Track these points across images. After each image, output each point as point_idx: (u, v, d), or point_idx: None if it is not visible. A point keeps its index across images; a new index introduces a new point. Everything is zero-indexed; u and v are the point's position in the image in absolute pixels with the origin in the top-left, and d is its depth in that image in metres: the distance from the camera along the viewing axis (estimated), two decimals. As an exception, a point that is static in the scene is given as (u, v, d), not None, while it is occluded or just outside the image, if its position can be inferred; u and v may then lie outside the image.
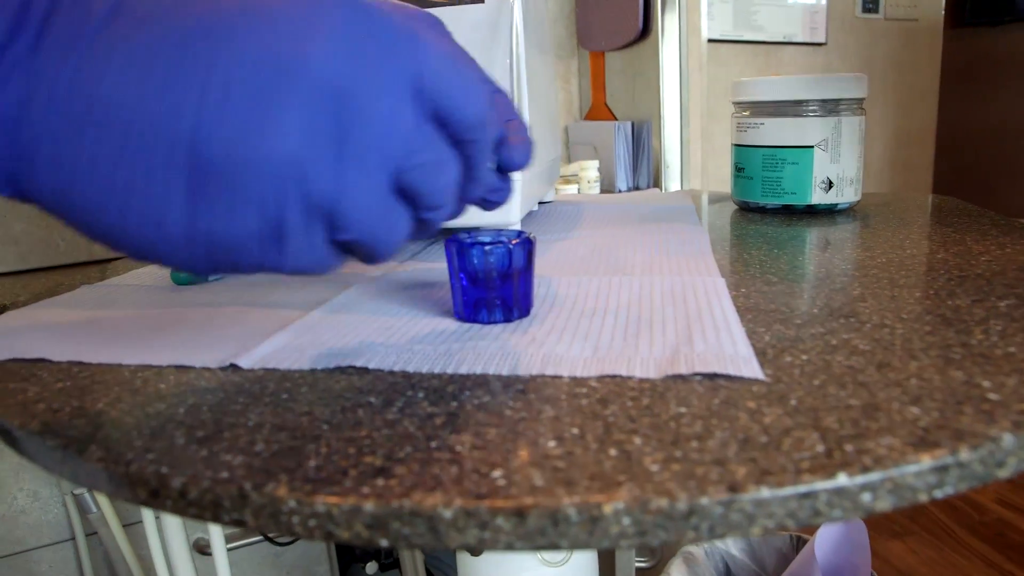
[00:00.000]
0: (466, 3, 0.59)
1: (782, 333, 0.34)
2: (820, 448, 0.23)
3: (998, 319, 0.35)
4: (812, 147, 0.65)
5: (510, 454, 0.23)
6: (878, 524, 1.68)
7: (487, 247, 0.35)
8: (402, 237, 0.28)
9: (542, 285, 0.43)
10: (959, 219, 0.62)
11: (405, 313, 0.39)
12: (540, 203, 0.81)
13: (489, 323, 0.36)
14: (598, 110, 1.84)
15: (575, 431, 0.25)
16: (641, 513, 0.20)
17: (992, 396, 0.26)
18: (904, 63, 2.56)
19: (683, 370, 0.29)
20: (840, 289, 0.41)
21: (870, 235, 0.57)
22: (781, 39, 2.22)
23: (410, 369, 0.31)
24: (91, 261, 0.71)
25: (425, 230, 0.30)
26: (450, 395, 0.29)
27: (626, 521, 0.20)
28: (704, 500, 0.20)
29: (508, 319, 0.37)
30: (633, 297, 0.40)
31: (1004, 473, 0.24)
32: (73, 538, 1.02)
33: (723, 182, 1.03)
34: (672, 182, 1.73)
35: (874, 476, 0.21)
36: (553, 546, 0.21)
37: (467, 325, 0.37)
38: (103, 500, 0.92)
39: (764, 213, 0.70)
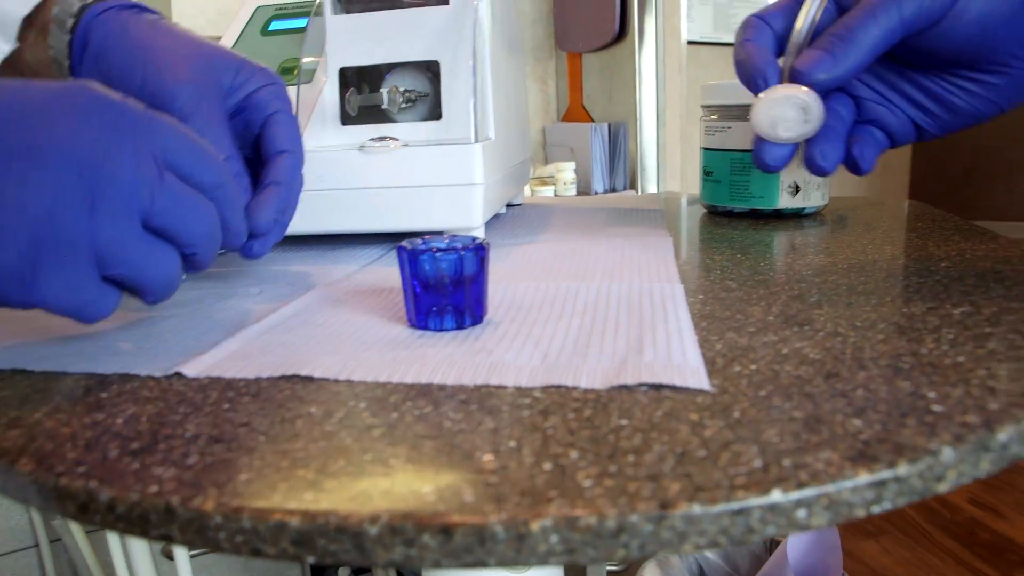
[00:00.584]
0: (431, 5, 0.59)
1: (734, 341, 0.34)
2: (758, 463, 0.22)
3: (951, 327, 0.35)
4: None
5: (443, 468, 0.23)
6: (852, 524, 1.69)
7: (438, 254, 0.35)
8: (170, 271, 0.35)
9: (499, 291, 0.43)
10: (924, 224, 0.62)
11: (358, 320, 0.39)
12: (509, 206, 0.81)
13: (441, 330, 0.36)
14: (575, 111, 1.84)
15: (513, 444, 0.24)
16: (569, 531, 0.20)
17: (936, 408, 0.26)
18: (881, 66, 2.58)
19: (629, 380, 0.29)
20: (797, 296, 0.41)
21: (834, 240, 0.57)
22: (760, 41, 2.22)
23: (355, 378, 0.31)
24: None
25: (195, 266, 0.37)
26: (392, 406, 0.28)
27: (554, 539, 0.20)
28: (634, 517, 0.20)
29: (461, 326, 0.36)
30: (589, 303, 0.39)
31: (943, 487, 0.23)
32: (37, 545, 1.00)
33: (696, 185, 1.03)
34: (650, 184, 1.73)
35: (809, 492, 0.21)
36: (480, 564, 0.20)
37: (419, 333, 0.36)
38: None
39: (732, 217, 0.70)
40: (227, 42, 0.64)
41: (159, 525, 0.23)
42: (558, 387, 0.29)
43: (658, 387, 0.29)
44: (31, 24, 0.46)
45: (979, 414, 0.25)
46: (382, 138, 0.55)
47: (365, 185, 0.54)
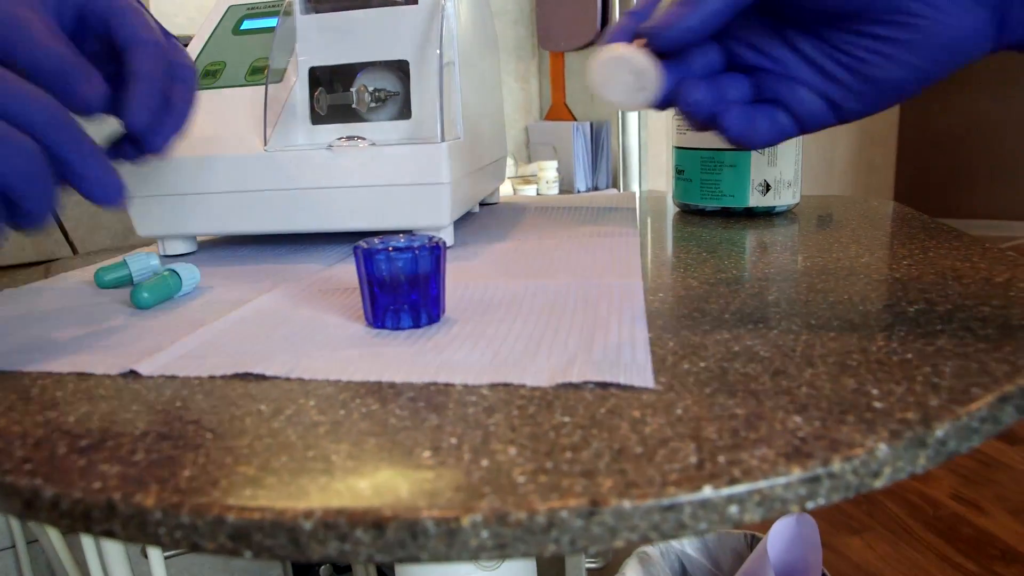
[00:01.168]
0: (401, 4, 0.59)
1: (687, 339, 0.34)
2: (693, 460, 0.23)
3: (903, 325, 0.35)
4: (749, 150, 0.65)
5: (382, 464, 0.23)
6: (836, 520, 1.70)
7: (393, 252, 0.35)
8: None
9: (460, 290, 0.43)
10: (892, 223, 0.63)
11: (318, 319, 0.39)
12: (485, 204, 0.81)
13: (397, 329, 0.36)
14: (558, 110, 1.84)
15: (453, 441, 0.25)
16: (499, 526, 0.20)
17: (877, 404, 0.26)
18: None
19: (575, 378, 0.29)
20: (756, 294, 0.41)
21: (801, 239, 0.58)
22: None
23: (307, 376, 0.31)
24: (38, 261, 0.70)
25: (26, 216, 0.34)
26: (340, 403, 0.28)
27: (484, 534, 0.20)
28: (564, 513, 0.20)
29: (417, 325, 0.36)
30: (547, 302, 0.40)
31: (879, 483, 0.24)
32: (13, 546, 1.00)
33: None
34: (632, 183, 1.73)
35: (741, 488, 0.21)
36: (413, 559, 0.20)
37: (374, 331, 0.36)
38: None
39: (704, 215, 0.70)
40: (199, 41, 0.64)
41: (101, 521, 0.23)
42: (506, 385, 0.29)
43: (604, 385, 0.29)
44: None
45: (918, 410, 0.25)
46: (351, 137, 0.55)
47: (334, 184, 0.54)
